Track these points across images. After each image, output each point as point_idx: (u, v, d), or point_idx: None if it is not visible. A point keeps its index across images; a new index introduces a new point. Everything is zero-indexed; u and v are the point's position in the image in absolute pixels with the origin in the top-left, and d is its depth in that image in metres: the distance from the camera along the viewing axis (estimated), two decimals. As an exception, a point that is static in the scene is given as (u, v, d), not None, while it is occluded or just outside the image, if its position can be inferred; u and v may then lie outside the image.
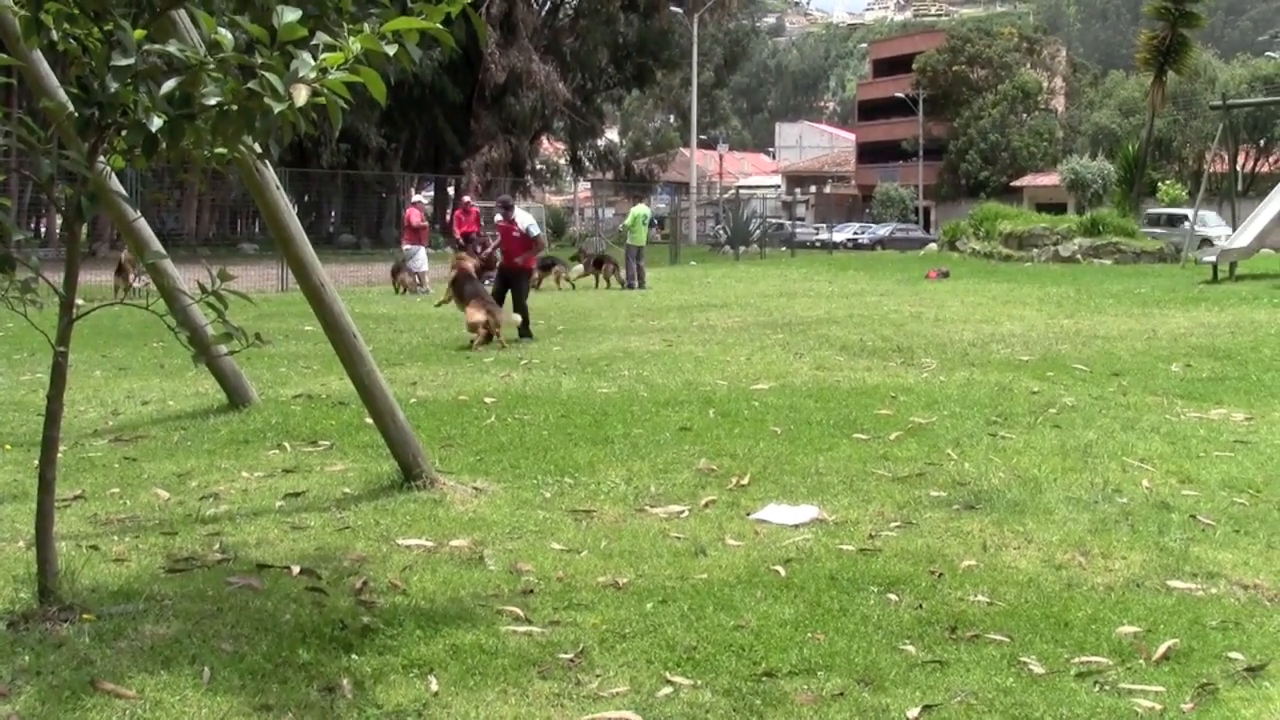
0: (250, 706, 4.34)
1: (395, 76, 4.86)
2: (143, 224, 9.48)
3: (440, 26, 4.83)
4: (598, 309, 22.77)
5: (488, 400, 11.03)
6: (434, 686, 4.53)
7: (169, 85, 4.56)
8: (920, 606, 5.48)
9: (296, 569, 5.96)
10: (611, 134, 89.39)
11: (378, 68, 4.72)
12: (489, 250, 21.20)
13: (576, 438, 9.29)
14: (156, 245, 9.41)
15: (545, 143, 74.11)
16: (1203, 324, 18.21)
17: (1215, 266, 29.29)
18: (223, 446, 9.06)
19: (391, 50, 4.71)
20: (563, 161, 77.28)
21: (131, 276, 22.36)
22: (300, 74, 4.52)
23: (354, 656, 4.81)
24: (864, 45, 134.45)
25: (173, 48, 4.62)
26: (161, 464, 8.47)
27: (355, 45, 4.63)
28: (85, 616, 5.16)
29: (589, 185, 79.15)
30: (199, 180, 5.96)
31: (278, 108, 4.49)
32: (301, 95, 4.49)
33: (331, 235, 58.29)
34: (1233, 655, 4.88)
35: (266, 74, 4.50)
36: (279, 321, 18.64)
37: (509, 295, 17.19)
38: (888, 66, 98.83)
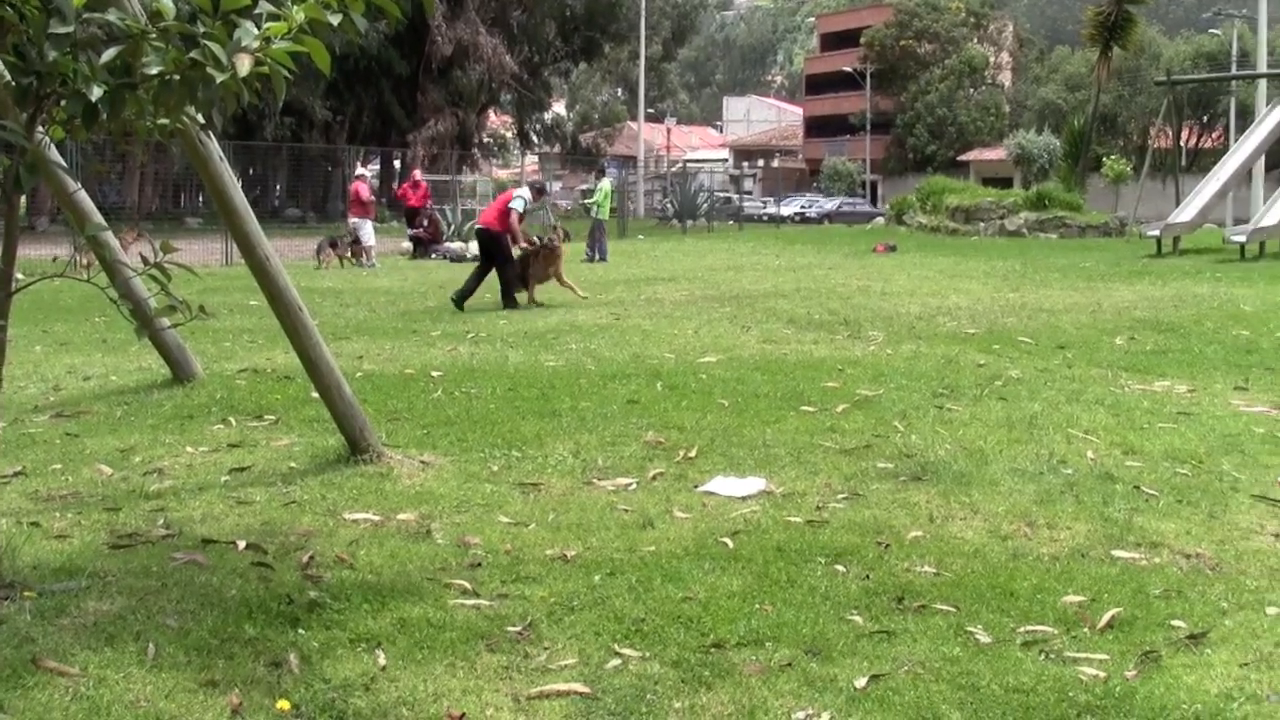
0: (196, 682, 4.30)
1: (341, 48, 4.80)
2: (83, 196, 9.35)
3: (385, -5, 4.79)
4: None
5: (434, 374, 10.98)
6: (381, 660, 4.52)
7: (109, 54, 4.49)
8: (867, 577, 5.50)
9: (242, 544, 5.92)
10: (559, 107, 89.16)
11: (322, 38, 4.67)
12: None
13: (524, 411, 9.26)
14: (98, 218, 9.30)
15: (492, 116, 73.74)
16: (1146, 298, 18.37)
17: (1159, 241, 29.57)
18: (166, 421, 8.98)
19: (336, 20, 4.66)
20: (510, 135, 76.91)
21: None
22: (243, 43, 4.48)
23: (301, 631, 4.78)
24: (811, 19, 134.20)
25: (112, 16, 4.56)
26: (104, 439, 8.38)
27: (299, 14, 4.58)
28: (26, 594, 5.10)
29: (536, 159, 78.92)
30: (141, 152, 5.89)
31: (220, 78, 4.44)
32: (244, 65, 4.44)
33: (276, 209, 57.80)
34: (1175, 623, 4.93)
35: (209, 43, 4.45)
36: (223, 296, 18.49)
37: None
38: (835, 41, 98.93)
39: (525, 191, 18.97)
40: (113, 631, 4.75)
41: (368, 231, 28.20)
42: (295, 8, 4.59)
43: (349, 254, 27.87)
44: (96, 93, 4.54)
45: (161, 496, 6.89)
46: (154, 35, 4.52)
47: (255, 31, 4.50)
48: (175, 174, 56.89)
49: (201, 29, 4.50)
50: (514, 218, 18.03)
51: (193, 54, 4.47)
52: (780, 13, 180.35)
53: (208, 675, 4.36)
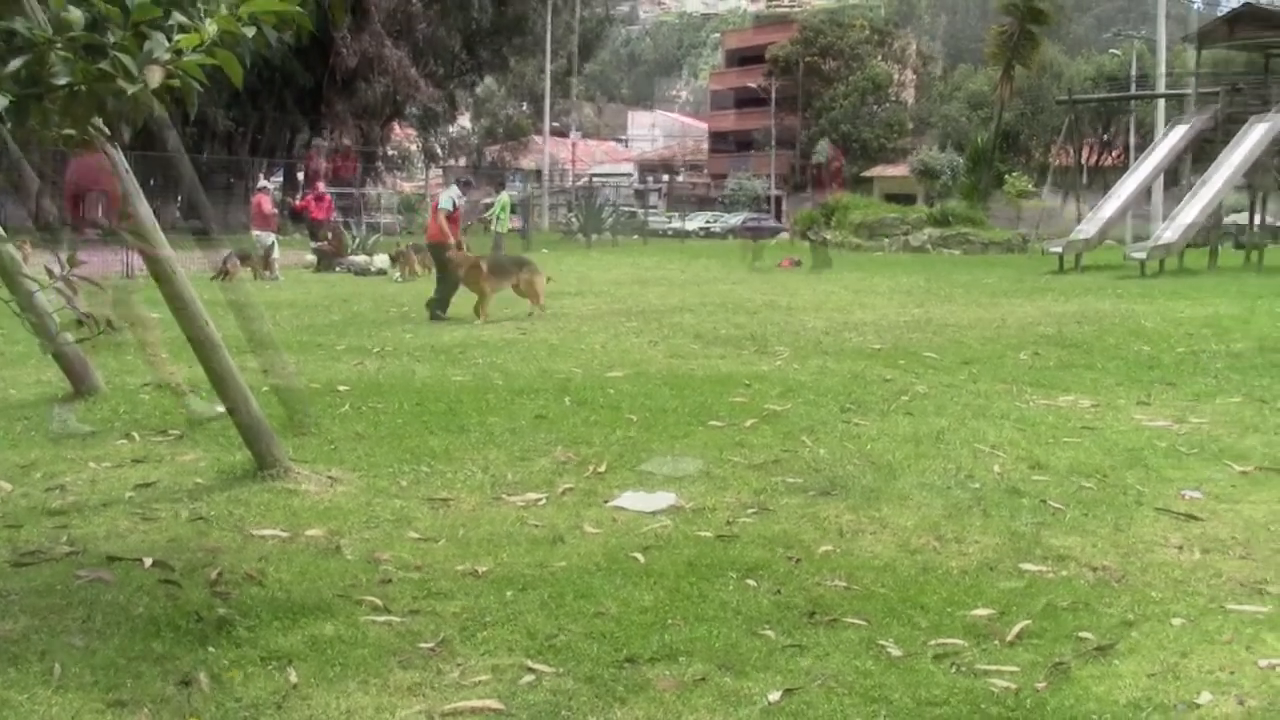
0: (103, 702, 4.24)
1: (249, 59, 4.75)
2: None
3: (299, 9, 4.75)
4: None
5: (341, 389, 10.90)
6: (293, 678, 4.47)
7: (14, 64, 4.42)
8: (779, 592, 5.53)
9: (149, 561, 5.83)
10: (464, 121, 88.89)
11: (233, 50, 4.62)
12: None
13: (432, 426, 9.22)
14: (-2, 229, 9.17)
15: (397, 129, 73.34)
16: (1050, 314, 18.66)
17: (1061, 257, 30.05)
18: (69, 436, 8.83)
19: (250, 32, 4.61)
20: (415, 148, 76.52)
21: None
22: (155, 55, 4.41)
23: (210, 649, 4.72)
24: (717, 35, 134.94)
25: (18, 25, 4.48)
26: (3, 454, 8.23)
27: (212, 27, 4.52)
28: (-73, 612, 5.01)
29: (441, 172, 78.62)
30: (41, 161, 5.79)
31: (131, 89, 4.38)
32: (156, 77, 4.37)
33: (177, 220, 57.13)
34: (1083, 635, 5.00)
35: (119, 54, 4.38)
36: (125, 308, 18.19)
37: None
38: (740, 57, 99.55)
39: (452, 190, 19.11)
40: (16, 651, 4.66)
41: (273, 244, 27.97)
42: (208, 20, 4.53)
43: (263, 266, 27.57)
44: (1, 102, 4.46)
45: (65, 513, 6.78)
46: (60, 45, 4.44)
47: (167, 43, 4.44)
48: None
49: (111, 39, 4.43)
50: (442, 217, 18.23)
51: (101, 65, 4.40)
52: (685, 28, 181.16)
53: (115, 695, 4.29)
